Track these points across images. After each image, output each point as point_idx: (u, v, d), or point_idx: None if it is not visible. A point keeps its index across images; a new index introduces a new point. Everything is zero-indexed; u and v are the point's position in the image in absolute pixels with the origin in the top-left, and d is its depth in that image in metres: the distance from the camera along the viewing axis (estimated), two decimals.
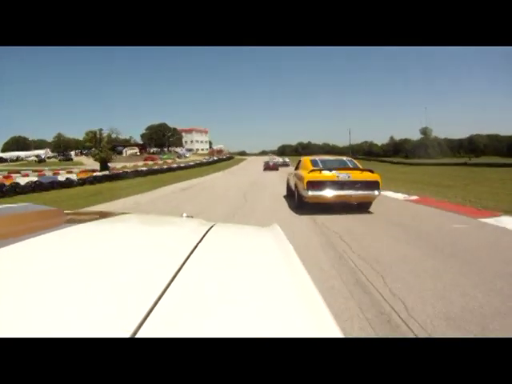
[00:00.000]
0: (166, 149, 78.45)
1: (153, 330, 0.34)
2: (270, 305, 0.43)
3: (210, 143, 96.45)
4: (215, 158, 48.10)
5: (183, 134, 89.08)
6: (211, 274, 0.52)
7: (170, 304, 0.39)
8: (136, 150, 64.56)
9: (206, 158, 49.90)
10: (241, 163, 45.68)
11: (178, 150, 73.86)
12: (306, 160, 7.46)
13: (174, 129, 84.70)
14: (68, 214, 0.96)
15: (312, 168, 6.57)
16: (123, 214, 1.07)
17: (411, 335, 1.97)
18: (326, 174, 6.33)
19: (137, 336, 0.32)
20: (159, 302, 0.39)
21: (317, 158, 7.53)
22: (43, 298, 0.39)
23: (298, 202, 6.87)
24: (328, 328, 0.38)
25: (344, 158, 7.65)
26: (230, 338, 0.33)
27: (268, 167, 27.15)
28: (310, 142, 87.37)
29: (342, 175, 6.27)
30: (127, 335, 0.32)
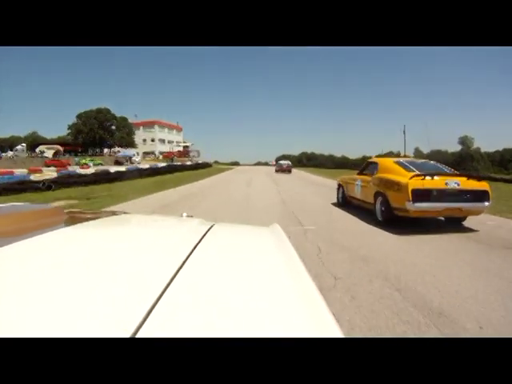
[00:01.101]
0: (108, 149, 49.21)
1: (153, 329, 0.34)
2: (270, 305, 0.43)
3: (187, 146, 59.48)
4: (165, 165, 26.24)
5: (141, 128, 59.13)
6: (211, 274, 0.52)
7: (170, 304, 0.39)
8: (44, 149, 37.37)
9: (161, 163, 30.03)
10: (213, 176, 20.76)
11: (123, 150, 46.29)
12: (388, 162, 5.88)
13: (123, 118, 50.81)
14: (68, 212, 0.96)
15: (412, 173, 4.95)
16: (123, 213, 1.07)
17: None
18: (432, 181, 4.76)
19: (137, 336, 0.32)
20: (159, 302, 0.39)
21: (402, 160, 5.99)
22: (43, 297, 0.39)
23: (386, 216, 5.20)
24: (328, 328, 0.38)
25: (432, 162, 6.15)
26: (230, 337, 0.33)
27: (281, 169, 29.88)
28: (313, 153, 73.13)
29: (451, 183, 4.76)
30: (127, 335, 0.32)
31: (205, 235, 0.71)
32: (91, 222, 0.83)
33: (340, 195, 7.78)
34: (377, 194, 5.55)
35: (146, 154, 54.07)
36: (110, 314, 0.36)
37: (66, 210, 0.94)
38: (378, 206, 5.51)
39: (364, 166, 6.82)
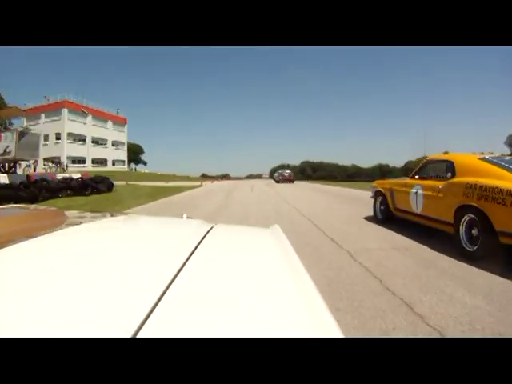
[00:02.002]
0: None
1: (154, 330, 0.34)
2: (270, 305, 0.43)
3: (140, 150, 42.62)
4: None
5: (42, 116, 34.32)
6: (212, 275, 0.52)
7: (171, 304, 0.39)
8: None
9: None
10: None
11: None
12: (472, 160, 3.96)
13: None
14: (69, 214, 0.96)
15: None
16: (124, 214, 1.07)
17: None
18: None
19: (138, 336, 0.33)
20: (160, 303, 0.39)
21: (488, 157, 3.98)
22: (44, 298, 0.39)
23: (485, 245, 3.22)
24: (328, 328, 0.38)
25: None
26: (230, 338, 0.33)
27: (284, 178, 28.88)
28: (320, 162, 56.67)
29: None
30: (128, 335, 0.32)
31: (205, 236, 0.71)
32: (92, 224, 0.83)
33: (379, 206, 5.63)
34: (461, 210, 3.54)
35: (47, 160, 28.54)
36: (111, 315, 0.36)
37: (66, 212, 0.95)
38: (463, 229, 3.53)
39: (421, 165, 4.84)
